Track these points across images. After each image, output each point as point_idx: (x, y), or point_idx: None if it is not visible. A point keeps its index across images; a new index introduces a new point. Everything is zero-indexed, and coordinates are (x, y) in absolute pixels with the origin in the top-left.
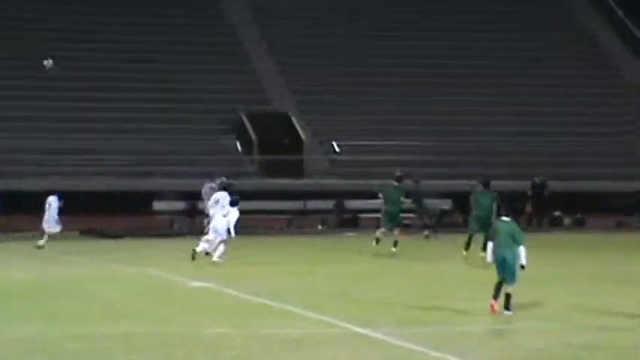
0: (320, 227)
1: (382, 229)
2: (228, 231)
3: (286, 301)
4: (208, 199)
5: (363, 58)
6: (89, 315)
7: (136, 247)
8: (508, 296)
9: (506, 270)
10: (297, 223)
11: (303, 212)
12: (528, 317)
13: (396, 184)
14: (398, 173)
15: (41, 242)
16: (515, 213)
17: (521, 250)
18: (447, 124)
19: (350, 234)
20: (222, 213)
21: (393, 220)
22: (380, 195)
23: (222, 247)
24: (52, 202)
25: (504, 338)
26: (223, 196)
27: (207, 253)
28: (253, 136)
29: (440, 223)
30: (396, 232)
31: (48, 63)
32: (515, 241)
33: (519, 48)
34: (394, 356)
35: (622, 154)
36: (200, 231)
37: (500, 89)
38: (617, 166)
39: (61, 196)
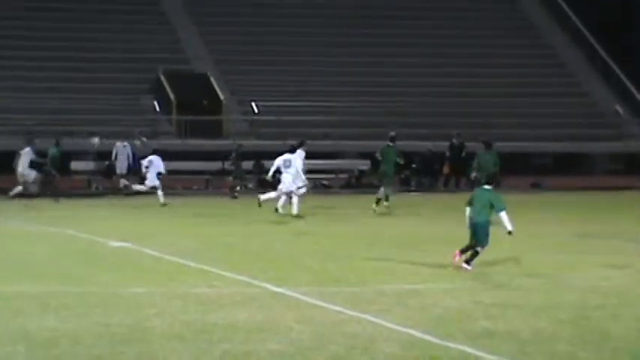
0: (238, 188)
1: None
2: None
3: (204, 260)
4: (123, 159)
5: (282, 18)
6: (4, 274)
7: (53, 207)
8: (476, 253)
9: (478, 235)
10: (215, 184)
11: (221, 172)
12: (441, 277)
13: (391, 144)
14: (392, 133)
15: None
16: (433, 174)
17: (503, 216)
18: (366, 85)
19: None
20: (290, 171)
21: (391, 178)
22: (378, 155)
23: (296, 200)
24: (155, 161)
25: (419, 297)
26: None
27: (276, 210)
28: (172, 96)
29: (358, 184)
30: (389, 190)
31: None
32: (494, 208)
33: (443, 8)
34: (311, 315)
35: (539, 115)
36: (116, 191)
37: (419, 50)
38: (533, 128)
39: (162, 157)
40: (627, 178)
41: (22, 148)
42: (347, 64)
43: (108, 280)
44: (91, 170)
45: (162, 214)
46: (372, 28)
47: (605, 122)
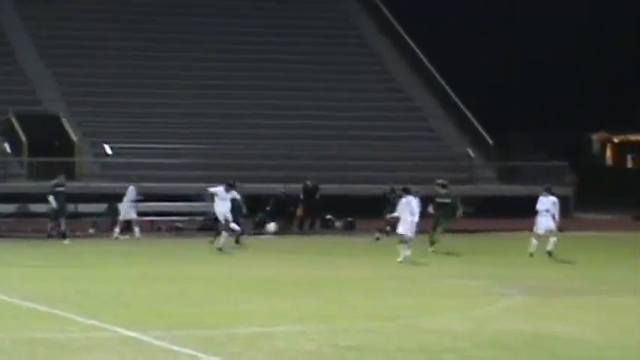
0: (91, 230)
1: None
2: None
3: (56, 305)
4: None
5: (135, 60)
6: None
7: None
8: None
9: None
10: (68, 226)
11: (74, 215)
12: (295, 320)
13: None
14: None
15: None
16: (287, 216)
17: None
18: (221, 127)
19: (123, 237)
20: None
21: None
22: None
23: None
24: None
25: (272, 340)
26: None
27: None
28: (23, 138)
29: (214, 227)
30: None
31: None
32: None
33: (297, 52)
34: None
35: (393, 158)
36: None
37: (271, 93)
38: (387, 170)
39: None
40: (480, 221)
41: None
42: (199, 106)
43: None
44: None
45: (11, 258)
46: (220, 70)
47: (458, 165)
